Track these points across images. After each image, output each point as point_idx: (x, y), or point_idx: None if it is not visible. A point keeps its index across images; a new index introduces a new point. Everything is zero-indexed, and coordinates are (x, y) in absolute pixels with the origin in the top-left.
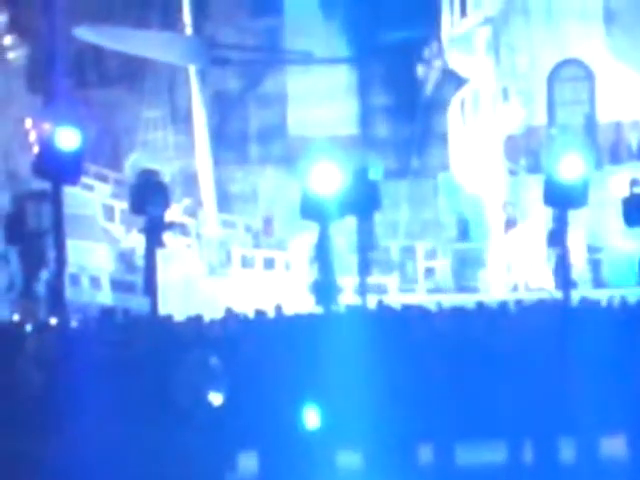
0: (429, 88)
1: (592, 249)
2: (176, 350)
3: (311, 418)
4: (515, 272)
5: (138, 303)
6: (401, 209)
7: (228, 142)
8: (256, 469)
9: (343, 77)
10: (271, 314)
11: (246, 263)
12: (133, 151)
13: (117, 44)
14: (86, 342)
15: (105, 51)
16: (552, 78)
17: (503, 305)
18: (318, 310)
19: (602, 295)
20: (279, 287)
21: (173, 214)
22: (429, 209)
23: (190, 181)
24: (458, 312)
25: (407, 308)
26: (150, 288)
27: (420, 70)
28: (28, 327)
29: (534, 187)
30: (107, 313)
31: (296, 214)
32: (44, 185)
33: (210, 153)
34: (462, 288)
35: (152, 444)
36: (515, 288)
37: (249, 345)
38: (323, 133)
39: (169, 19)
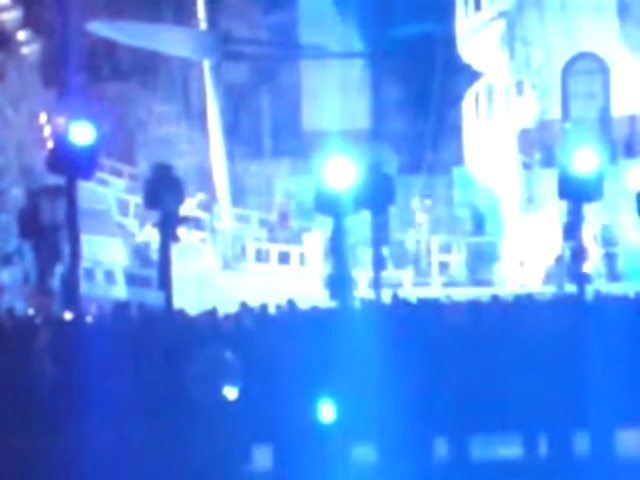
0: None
1: (607, 242)
2: (191, 344)
3: (326, 412)
4: (529, 265)
5: (153, 297)
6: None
7: (242, 136)
8: (271, 462)
9: (357, 71)
10: (286, 308)
11: (261, 257)
12: (147, 146)
13: (131, 39)
14: (101, 336)
15: (119, 46)
16: (566, 72)
17: (518, 299)
18: (333, 304)
19: (617, 289)
20: (294, 281)
21: (187, 208)
22: (444, 203)
23: (204, 175)
24: (473, 306)
25: (422, 302)
26: (165, 282)
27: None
28: (43, 321)
29: (549, 181)
30: (122, 307)
31: (311, 208)
32: (59, 180)
33: (224, 147)
34: (477, 282)
35: (167, 438)
36: (530, 281)
37: (264, 339)
38: (337, 127)
39: (183, 14)
